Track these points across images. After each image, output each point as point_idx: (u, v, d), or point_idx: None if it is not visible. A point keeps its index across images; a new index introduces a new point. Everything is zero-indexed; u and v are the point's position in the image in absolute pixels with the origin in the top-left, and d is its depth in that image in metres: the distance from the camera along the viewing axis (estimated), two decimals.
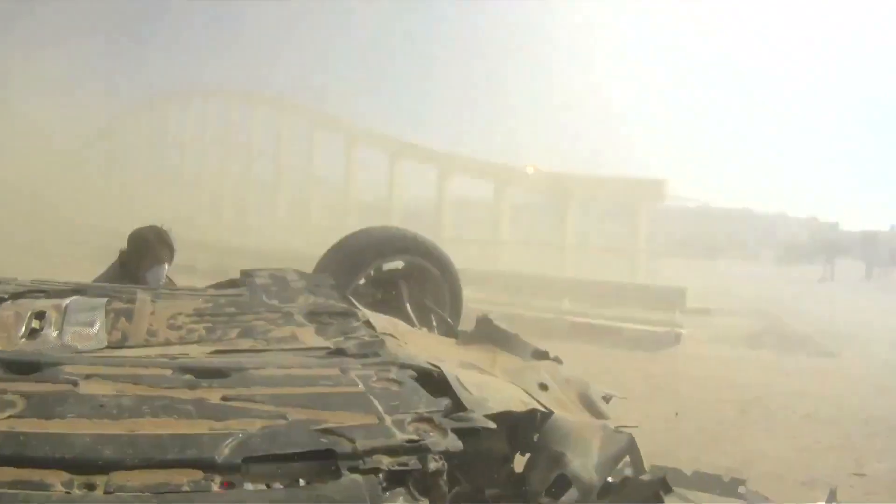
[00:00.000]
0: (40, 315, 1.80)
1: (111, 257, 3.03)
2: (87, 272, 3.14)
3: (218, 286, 2.58)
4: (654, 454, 2.70)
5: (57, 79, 17.50)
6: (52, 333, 1.71)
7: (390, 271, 3.57)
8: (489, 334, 2.31)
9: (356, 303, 2.51)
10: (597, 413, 1.92)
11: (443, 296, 3.68)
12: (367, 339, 1.94)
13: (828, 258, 18.09)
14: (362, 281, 3.48)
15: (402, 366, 1.59)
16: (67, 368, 1.30)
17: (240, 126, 16.34)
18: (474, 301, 11.40)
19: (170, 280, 3.10)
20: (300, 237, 15.44)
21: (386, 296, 3.52)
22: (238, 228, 16.21)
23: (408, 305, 3.42)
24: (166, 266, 3.02)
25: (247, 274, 2.59)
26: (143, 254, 2.96)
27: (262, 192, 16.26)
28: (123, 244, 3.04)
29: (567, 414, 1.76)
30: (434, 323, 3.47)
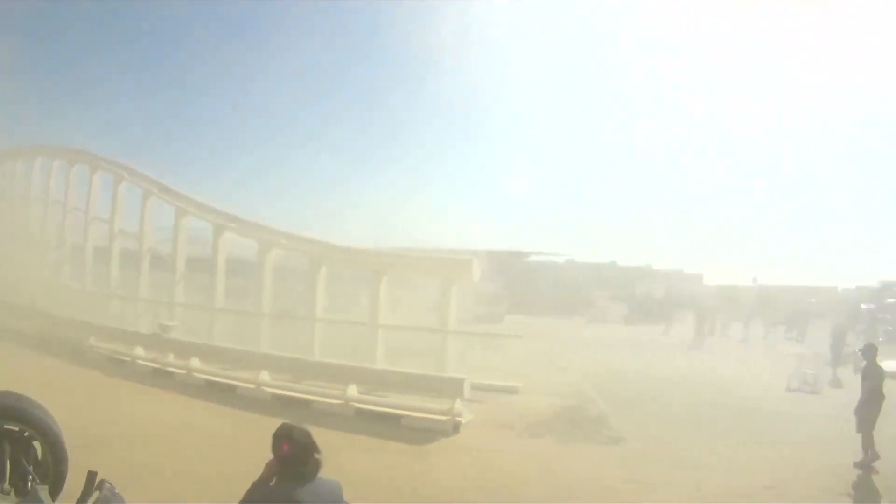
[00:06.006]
0: None
1: None
2: None
3: None
4: None
5: None
6: None
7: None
8: None
9: None
10: None
11: (46, 461, 4.27)
12: None
13: (697, 318, 18.39)
14: None
15: None
16: None
17: (78, 189, 16.25)
18: (274, 386, 11.51)
19: None
20: (129, 311, 15.34)
21: None
22: (73, 296, 16.08)
23: (8, 464, 3.99)
24: None
25: None
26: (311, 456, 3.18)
27: (98, 258, 16.13)
28: None
29: None
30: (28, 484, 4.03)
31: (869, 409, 9.10)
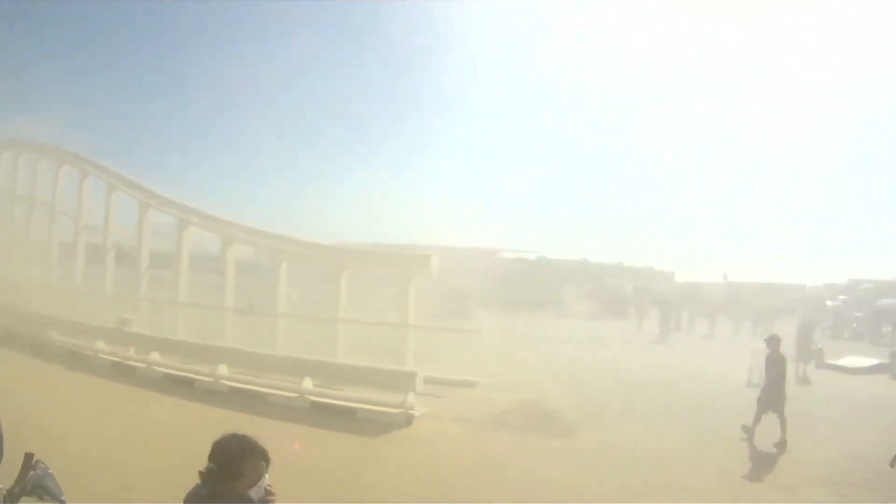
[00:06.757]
0: None
1: None
2: None
3: None
4: None
5: None
6: None
7: None
8: None
9: None
10: None
11: None
12: None
13: (662, 314, 18.52)
14: None
15: None
16: None
17: (45, 184, 16.21)
18: (232, 379, 11.55)
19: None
20: (95, 306, 15.31)
21: None
22: (37, 291, 16.04)
23: None
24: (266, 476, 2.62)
25: None
26: (245, 471, 2.56)
27: (64, 254, 16.11)
28: None
29: None
30: None
31: (773, 394, 9.61)
